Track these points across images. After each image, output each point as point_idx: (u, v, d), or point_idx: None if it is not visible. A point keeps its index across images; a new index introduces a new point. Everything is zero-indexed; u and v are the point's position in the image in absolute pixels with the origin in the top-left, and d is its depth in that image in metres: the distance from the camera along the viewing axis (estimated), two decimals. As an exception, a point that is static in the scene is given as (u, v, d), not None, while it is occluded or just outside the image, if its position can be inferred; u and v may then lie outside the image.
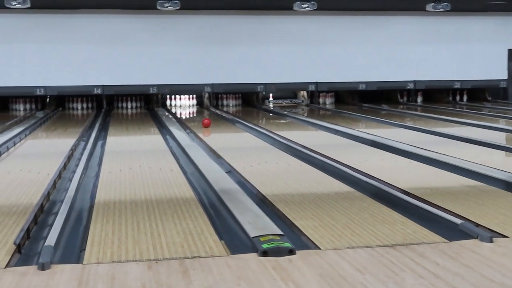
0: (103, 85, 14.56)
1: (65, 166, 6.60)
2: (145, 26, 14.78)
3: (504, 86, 16.47)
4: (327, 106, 15.93)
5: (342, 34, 15.63)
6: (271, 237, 3.65)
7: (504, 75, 16.38)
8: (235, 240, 3.88)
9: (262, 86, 15.31)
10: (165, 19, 14.70)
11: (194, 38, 14.92)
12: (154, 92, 14.93)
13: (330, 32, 15.56)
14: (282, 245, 3.50)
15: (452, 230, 3.98)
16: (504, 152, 7.69)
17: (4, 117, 13.09)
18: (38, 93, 14.47)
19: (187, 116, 13.99)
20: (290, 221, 4.26)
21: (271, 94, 16.29)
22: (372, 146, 7.97)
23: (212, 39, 14.98)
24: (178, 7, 13.61)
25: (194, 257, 3.44)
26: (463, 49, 16.18)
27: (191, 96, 15.88)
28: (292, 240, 3.72)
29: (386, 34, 15.84)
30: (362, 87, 15.82)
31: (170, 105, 15.75)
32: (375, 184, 5.34)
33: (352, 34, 15.67)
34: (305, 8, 14.07)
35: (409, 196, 4.89)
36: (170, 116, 12.83)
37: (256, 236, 3.68)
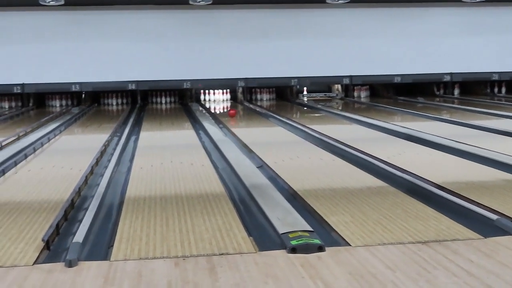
0: (137, 81, 14.65)
1: (97, 161, 6.61)
2: (178, 22, 14.80)
3: (544, 77, 16.08)
4: (362, 100, 15.76)
5: (377, 26, 15.43)
6: (300, 233, 3.58)
7: (544, 66, 15.99)
8: (264, 236, 3.82)
9: (295, 80, 15.22)
10: (198, 14, 14.70)
11: (227, 32, 14.89)
12: (187, 87, 14.96)
13: (365, 24, 15.38)
14: (311, 241, 3.44)
15: (488, 226, 3.87)
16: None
17: (41, 113, 13.28)
18: (73, 89, 14.63)
19: (221, 111, 13.98)
20: (321, 216, 4.19)
21: (305, 88, 16.19)
22: (407, 140, 7.82)
23: (245, 34, 14.94)
24: (210, 2, 13.61)
25: (222, 254, 3.39)
26: (501, 40, 15.82)
27: (224, 90, 15.86)
28: (322, 237, 3.64)
29: (422, 26, 15.58)
30: (397, 79, 15.62)
31: (204, 100, 15.76)
32: (408, 179, 5.23)
33: (387, 26, 15.47)
34: (338, 1, 13.92)
35: (443, 191, 4.76)
36: (204, 111, 12.83)
37: (285, 233, 3.62)
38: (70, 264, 3.25)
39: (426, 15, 15.64)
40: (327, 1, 14.37)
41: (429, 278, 2.98)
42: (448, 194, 4.64)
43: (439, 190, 4.78)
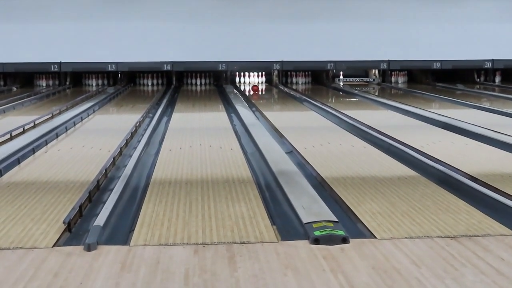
0: (173, 62, 14.62)
1: (127, 143, 6.59)
2: (216, 3, 14.71)
3: None
4: (399, 85, 15.48)
5: (417, 10, 15.11)
6: (324, 223, 3.48)
7: None
8: (288, 225, 3.73)
9: (332, 64, 15.02)
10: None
11: (264, 15, 14.75)
12: (223, 69, 14.88)
13: (404, 8, 15.07)
14: (335, 233, 3.33)
15: (522, 222, 3.71)
16: None
17: (77, 92, 13.36)
18: (109, 69, 14.68)
19: (255, 94, 13.88)
20: (347, 206, 4.08)
21: (341, 72, 15.97)
22: (443, 128, 7.62)
23: (282, 16, 14.77)
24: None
25: (243, 243, 3.31)
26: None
27: (260, 73, 15.75)
28: (347, 227, 3.55)
29: (463, 11, 15.20)
30: (436, 65, 15.29)
31: (239, 82, 15.67)
32: (441, 169, 5.06)
33: (428, 11, 15.13)
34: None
35: (476, 183, 4.60)
36: (238, 94, 12.74)
37: (309, 222, 3.52)
38: (89, 248, 3.21)
39: (468, 0, 15.25)
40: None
41: (456, 275, 2.85)
42: (482, 187, 4.47)
43: (472, 182, 4.62)
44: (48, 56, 14.37)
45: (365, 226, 3.63)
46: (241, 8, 14.72)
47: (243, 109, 9.59)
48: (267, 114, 9.19)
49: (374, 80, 16.13)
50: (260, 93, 12.13)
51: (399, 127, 7.92)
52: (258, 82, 15.69)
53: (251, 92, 13.53)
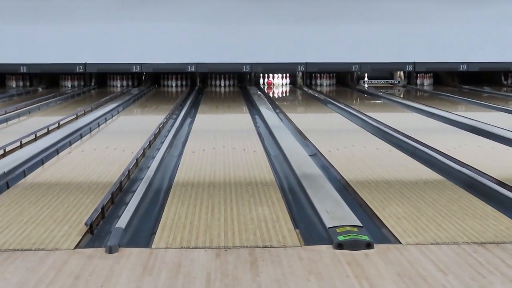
0: (197, 63, 14.63)
1: (150, 144, 6.58)
2: (241, 4, 14.69)
3: None
4: (425, 88, 15.33)
5: (443, 12, 14.93)
6: (348, 228, 3.42)
7: None
8: (311, 229, 3.69)
9: (357, 65, 14.92)
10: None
11: (289, 16, 14.70)
12: (247, 70, 14.85)
13: (430, 10, 14.91)
14: (359, 238, 3.27)
15: (552, 228, 3.62)
16: None
17: (102, 93, 13.43)
18: (134, 70, 14.73)
19: (279, 96, 13.83)
20: (372, 210, 4.02)
21: (366, 74, 15.85)
22: (469, 132, 7.50)
23: (307, 18, 14.70)
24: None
25: (266, 247, 3.27)
26: None
27: (284, 75, 15.69)
28: (372, 232, 3.48)
29: (489, 13, 14.99)
30: (463, 68, 15.10)
31: (263, 83, 15.63)
32: (468, 173, 4.96)
33: (454, 12, 14.95)
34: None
35: (505, 188, 4.50)
36: (262, 95, 12.70)
37: (333, 227, 3.47)
38: (110, 251, 3.19)
39: (495, 1, 15.03)
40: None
41: (484, 283, 2.78)
42: (510, 192, 4.38)
43: (500, 187, 4.52)
44: (73, 57, 14.47)
45: (390, 231, 3.56)
46: (266, 10, 14.69)
47: (267, 111, 9.55)
48: (291, 116, 9.14)
49: (399, 82, 15.99)
50: (273, 87, 12.26)
51: (424, 130, 7.81)
52: (282, 84, 15.63)
53: (266, 86, 13.67)
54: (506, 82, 15.69)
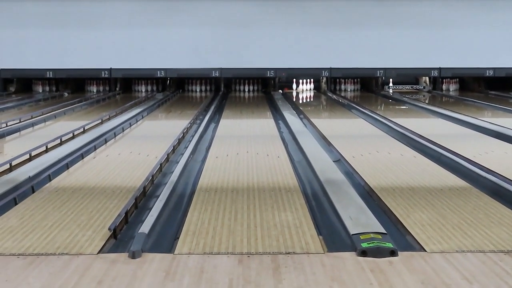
0: (221, 68, 14.66)
1: (174, 149, 6.60)
2: (264, 10, 14.69)
3: None
4: (451, 93, 15.18)
5: (469, 16, 14.80)
6: (372, 235, 3.39)
7: None
8: (334, 236, 3.66)
9: (381, 71, 14.83)
10: (284, 2, 14.56)
11: (313, 21, 14.67)
12: (271, 75, 14.84)
13: (456, 15, 14.78)
14: (383, 245, 3.24)
15: None
16: None
17: (126, 98, 13.51)
18: (158, 75, 14.80)
19: (303, 101, 13.80)
20: (396, 217, 3.98)
21: (391, 80, 15.76)
22: (496, 138, 7.41)
23: (331, 23, 14.67)
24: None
25: (288, 253, 3.25)
26: None
27: (308, 80, 15.66)
28: (396, 240, 3.45)
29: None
30: (489, 73, 14.93)
31: (296, 89, 15.62)
32: (494, 180, 4.89)
33: (480, 17, 14.80)
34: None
35: (532, 196, 4.43)
36: (286, 101, 12.68)
37: (356, 234, 3.44)
38: (133, 256, 3.20)
39: (523, 6, 14.87)
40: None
41: (510, 293, 2.74)
42: (537, 199, 4.31)
43: (527, 194, 4.45)
44: (98, 62, 14.60)
45: (415, 238, 3.53)
46: (290, 15, 14.67)
47: (290, 116, 9.53)
48: (315, 121, 9.11)
49: (424, 87, 15.86)
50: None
51: (450, 136, 7.74)
52: (306, 89, 15.60)
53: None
54: (533, 88, 15.48)
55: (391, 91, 15.47)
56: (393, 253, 3.18)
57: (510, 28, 14.81)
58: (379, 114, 9.88)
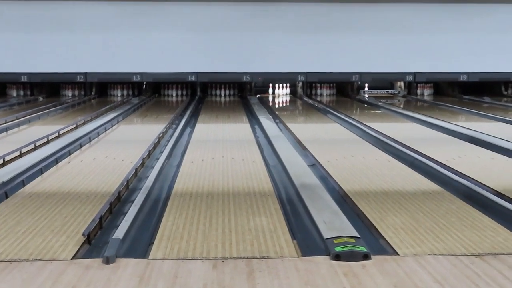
0: (197, 73, 14.65)
1: (149, 154, 6.58)
2: (241, 14, 14.71)
3: None
4: (425, 98, 15.33)
5: (443, 22, 14.96)
6: (345, 239, 3.42)
7: None
8: (308, 240, 3.68)
9: (357, 75, 14.93)
10: (260, 7, 14.59)
11: (289, 26, 14.72)
12: (247, 80, 14.87)
13: (431, 20, 14.94)
14: (357, 249, 3.27)
15: (549, 240, 3.61)
16: None
17: (102, 102, 13.45)
18: (134, 79, 14.74)
19: (279, 106, 13.84)
20: (370, 221, 4.01)
21: (366, 84, 15.88)
22: (469, 142, 7.50)
23: (306, 28, 14.74)
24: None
25: (263, 258, 3.27)
26: None
27: (284, 85, 15.71)
28: (369, 243, 3.48)
29: (490, 22, 15.01)
30: (463, 78, 15.11)
31: (272, 93, 15.65)
32: (467, 184, 4.96)
33: (454, 22, 14.98)
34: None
35: (503, 199, 4.49)
36: (262, 105, 12.71)
37: (330, 238, 3.47)
38: (107, 261, 3.19)
39: (496, 11, 15.05)
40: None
41: (481, 295, 2.78)
42: (508, 203, 4.37)
43: (498, 198, 4.51)
44: (74, 67, 14.50)
45: (388, 242, 3.56)
46: (266, 19, 14.71)
47: (266, 121, 9.56)
48: (291, 126, 9.14)
49: (399, 92, 16.00)
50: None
51: (424, 140, 7.82)
52: (282, 94, 15.65)
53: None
54: (506, 93, 15.70)
55: (366, 95, 15.58)
56: (366, 256, 3.21)
57: (483, 33, 15.00)
58: (354, 119, 9.95)
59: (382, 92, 16.01)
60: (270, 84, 15.62)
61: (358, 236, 3.50)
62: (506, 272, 3.05)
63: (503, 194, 4.67)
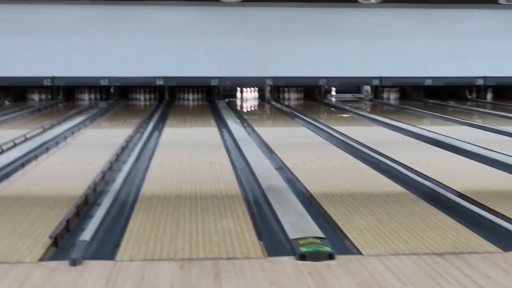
0: (165, 77, 14.63)
1: (117, 157, 6.57)
2: (208, 19, 14.74)
3: None
4: (391, 102, 15.54)
5: (409, 27, 15.17)
6: (311, 240, 3.48)
7: None
8: (275, 241, 3.73)
9: (324, 79, 15.05)
10: (228, 11, 14.63)
11: (256, 30, 14.79)
12: (215, 84, 14.89)
13: (396, 25, 15.14)
14: (322, 249, 3.33)
15: (510, 239, 3.72)
16: None
17: (69, 106, 13.35)
18: (102, 83, 14.66)
19: (247, 109, 13.90)
20: (335, 223, 4.08)
21: (333, 88, 16.02)
22: (433, 145, 7.64)
23: (274, 32, 14.82)
24: (241, 0, 13.51)
25: (229, 258, 3.31)
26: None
27: (252, 89, 15.77)
28: (334, 244, 3.53)
29: (455, 28, 15.28)
30: (428, 82, 15.33)
31: (241, 97, 15.70)
32: (430, 186, 5.07)
33: (419, 27, 15.20)
34: (370, 0, 13.72)
35: (466, 201, 4.61)
36: (230, 109, 12.75)
37: (296, 238, 3.52)
38: (74, 263, 3.19)
39: (459, 16, 15.33)
40: (358, 1, 14.19)
41: (441, 293, 2.85)
42: (470, 204, 4.49)
43: (461, 199, 4.63)
44: (41, 70, 14.35)
45: (352, 243, 3.63)
46: (234, 23, 14.76)
47: (234, 125, 9.60)
48: (258, 129, 9.20)
49: (366, 96, 16.18)
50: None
51: (389, 143, 7.94)
52: (250, 98, 15.71)
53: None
54: (470, 96, 15.98)
55: (333, 99, 15.73)
56: (331, 256, 3.27)
57: (448, 38, 15.25)
58: (321, 122, 10.05)
59: (349, 96, 16.17)
60: (238, 88, 15.67)
61: (323, 236, 3.56)
62: (466, 271, 3.13)
63: (466, 195, 4.77)
